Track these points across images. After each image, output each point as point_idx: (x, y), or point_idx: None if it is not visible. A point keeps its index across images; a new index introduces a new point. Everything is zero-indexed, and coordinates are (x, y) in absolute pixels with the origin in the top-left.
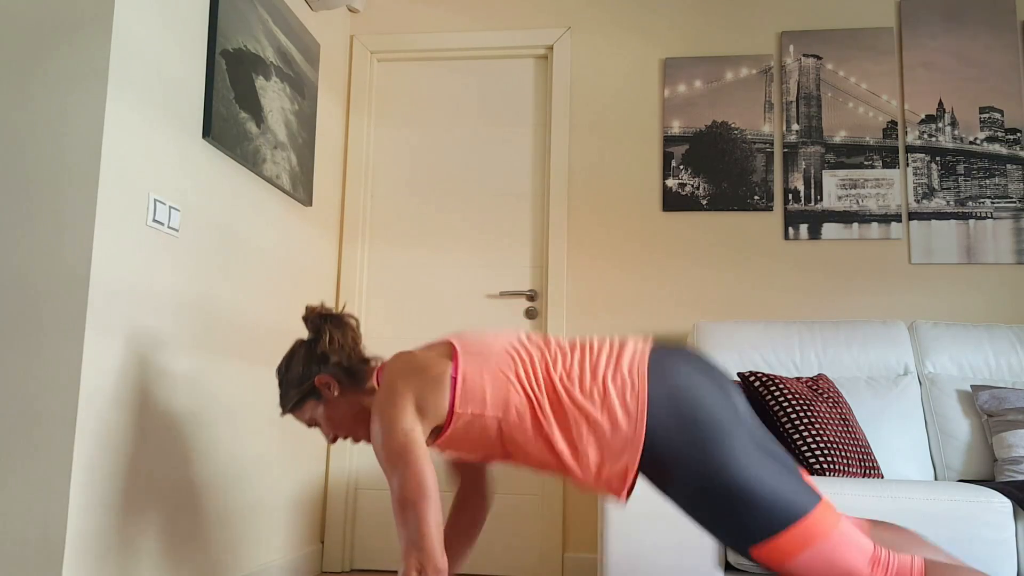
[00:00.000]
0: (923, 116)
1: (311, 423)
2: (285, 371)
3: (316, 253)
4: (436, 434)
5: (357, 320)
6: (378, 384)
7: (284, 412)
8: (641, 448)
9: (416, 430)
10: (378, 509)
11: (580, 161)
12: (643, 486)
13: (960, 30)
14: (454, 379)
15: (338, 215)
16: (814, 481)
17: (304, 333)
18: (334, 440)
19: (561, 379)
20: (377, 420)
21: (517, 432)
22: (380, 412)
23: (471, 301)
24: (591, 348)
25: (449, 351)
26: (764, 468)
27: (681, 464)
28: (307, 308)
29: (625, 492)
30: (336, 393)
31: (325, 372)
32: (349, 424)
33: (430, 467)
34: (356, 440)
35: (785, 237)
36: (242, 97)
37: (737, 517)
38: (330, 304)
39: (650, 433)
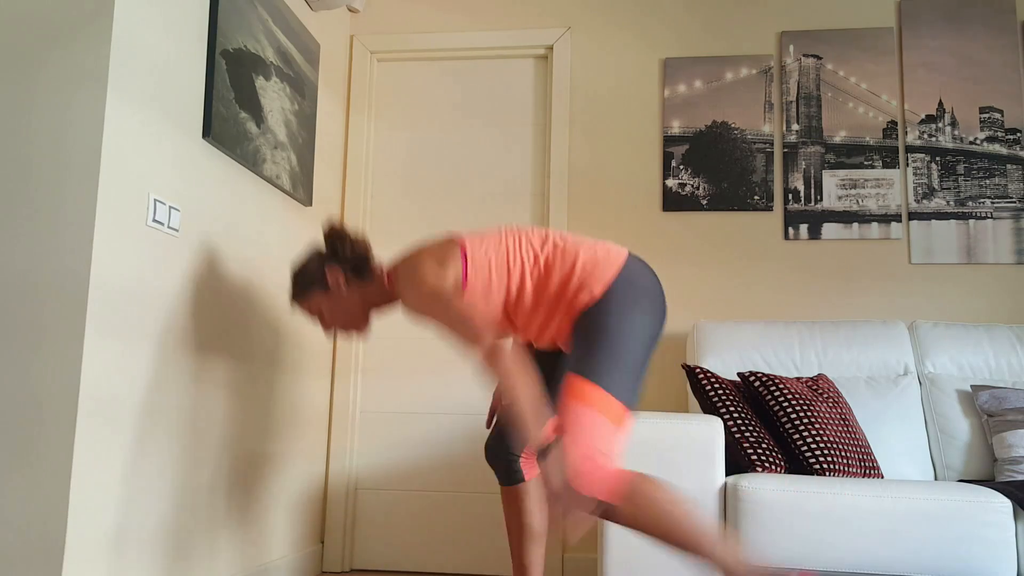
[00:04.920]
0: (923, 116)
1: (314, 313)
2: (301, 267)
3: None
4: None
5: (368, 241)
6: (388, 282)
7: (293, 300)
8: (616, 275)
9: (444, 277)
10: (378, 509)
11: (580, 161)
12: None
13: (960, 30)
14: (463, 255)
15: (338, 215)
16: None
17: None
18: (331, 331)
19: (552, 237)
20: (408, 280)
21: (519, 285)
22: (409, 273)
23: None
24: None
25: (452, 236)
26: (639, 356)
27: (608, 307)
28: (328, 224)
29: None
30: (343, 285)
31: (336, 266)
32: (350, 315)
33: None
34: (352, 332)
35: (785, 237)
36: (242, 97)
37: (596, 357)
38: None
39: (617, 278)
